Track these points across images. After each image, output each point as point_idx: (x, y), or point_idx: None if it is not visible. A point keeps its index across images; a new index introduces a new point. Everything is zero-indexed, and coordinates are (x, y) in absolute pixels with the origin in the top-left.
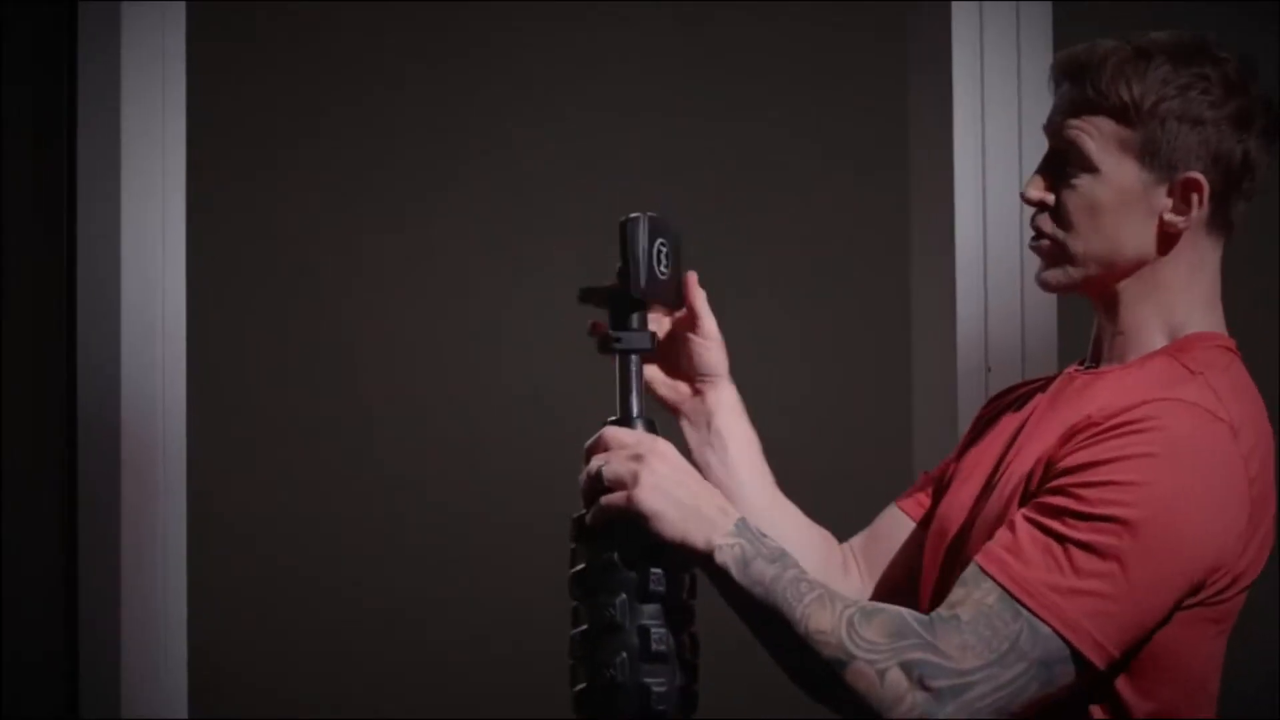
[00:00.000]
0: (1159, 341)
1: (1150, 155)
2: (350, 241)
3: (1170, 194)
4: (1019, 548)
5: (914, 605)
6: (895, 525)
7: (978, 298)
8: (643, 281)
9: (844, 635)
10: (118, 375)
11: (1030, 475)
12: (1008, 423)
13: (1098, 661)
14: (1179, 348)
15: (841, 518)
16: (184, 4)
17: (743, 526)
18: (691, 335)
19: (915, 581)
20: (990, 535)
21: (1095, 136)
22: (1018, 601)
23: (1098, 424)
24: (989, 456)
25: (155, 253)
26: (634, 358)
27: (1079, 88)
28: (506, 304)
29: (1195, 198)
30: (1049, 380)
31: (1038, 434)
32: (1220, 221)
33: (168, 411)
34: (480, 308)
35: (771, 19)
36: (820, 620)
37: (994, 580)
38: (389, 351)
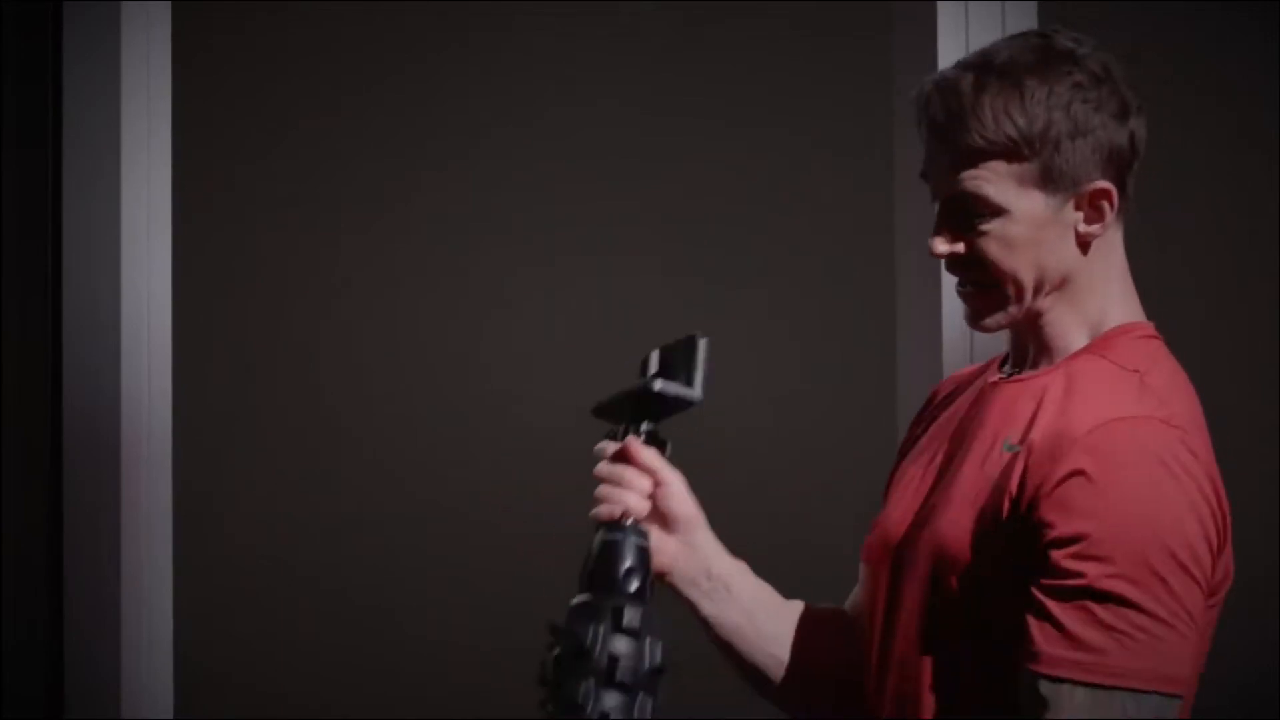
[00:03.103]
0: (1080, 340)
1: (1052, 180)
2: (339, 243)
3: (1078, 207)
4: (1080, 640)
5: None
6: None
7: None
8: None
9: None
10: (104, 375)
11: (994, 494)
12: (941, 429)
13: (1190, 694)
14: (1103, 344)
15: (827, 520)
16: (169, 4)
17: None
18: (656, 492)
19: None
20: (945, 550)
21: (994, 180)
22: (1108, 687)
23: (1058, 462)
24: (930, 463)
25: (141, 254)
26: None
27: (963, 137)
28: (498, 305)
29: (1106, 205)
30: (978, 373)
31: (980, 442)
32: (1122, 212)
33: (153, 414)
34: (473, 309)
35: (756, 17)
36: None
37: (1074, 682)
38: (377, 351)
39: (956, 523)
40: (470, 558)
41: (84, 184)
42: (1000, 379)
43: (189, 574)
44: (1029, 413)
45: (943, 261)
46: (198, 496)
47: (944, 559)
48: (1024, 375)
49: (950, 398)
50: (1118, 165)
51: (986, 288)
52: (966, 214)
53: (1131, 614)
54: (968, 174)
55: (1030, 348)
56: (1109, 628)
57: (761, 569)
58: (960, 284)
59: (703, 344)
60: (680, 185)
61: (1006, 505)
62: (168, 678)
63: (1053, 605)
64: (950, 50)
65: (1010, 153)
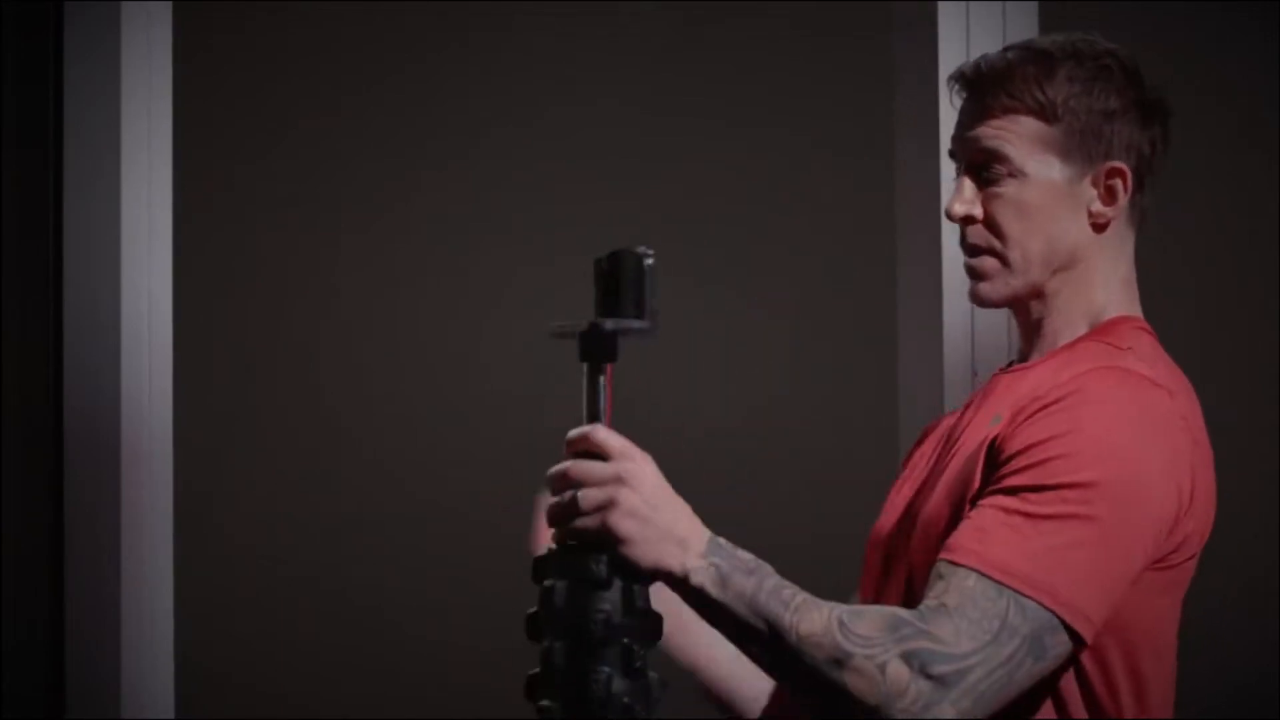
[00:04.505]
0: (1081, 330)
1: (1071, 150)
2: (339, 243)
3: (1094, 185)
4: (986, 534)
5: None
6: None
7: (964, 301)
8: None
9: (837, 634)
10: (104, 375)
11: (971, 466)
12: (944, 427)
13: (1084, 631)
14: (1101, 331)
15: (827, 520)
16: (169, 4)
17: (715, 545)
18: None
19: None
20: (928, 531)
21: (1015, 140)
22: (998, 582)
23: (1039, 399)
24: (925, 460)
25: (141, 254)
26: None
27: (992, 96)
28: (498, 305)
29: (1120, 185)
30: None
31: (972, 428)
32: (1135, 210)
33: (153, 414)
34: (473, 309)
35: (756, 17)
36: (810, 624)
37: (968, 568)
38: (377, 351)
39: (940, 498)
40: (470, 558)
41: (84, 184)
42: (1003, 371)
43: (189, 574)
44: (1019, 390)
45: (957, 233)
46: (198, 496)
47: (928, 535)
48: (1023, 364)
49: (940, 425)
50: (1136, 159)
51: (994, 255)
52: (985, 176)
53: (1050, 525)
54: (992, 129)
55: (1034, 342)
56: (1020, 531)
57: None
58: (967, 253)
59: (649, 265)
60: (680, 185)
61: (981, 464)
62: (168, 678)
63: (983, 504)
64: (950, 50)
65: (1035, 113)
